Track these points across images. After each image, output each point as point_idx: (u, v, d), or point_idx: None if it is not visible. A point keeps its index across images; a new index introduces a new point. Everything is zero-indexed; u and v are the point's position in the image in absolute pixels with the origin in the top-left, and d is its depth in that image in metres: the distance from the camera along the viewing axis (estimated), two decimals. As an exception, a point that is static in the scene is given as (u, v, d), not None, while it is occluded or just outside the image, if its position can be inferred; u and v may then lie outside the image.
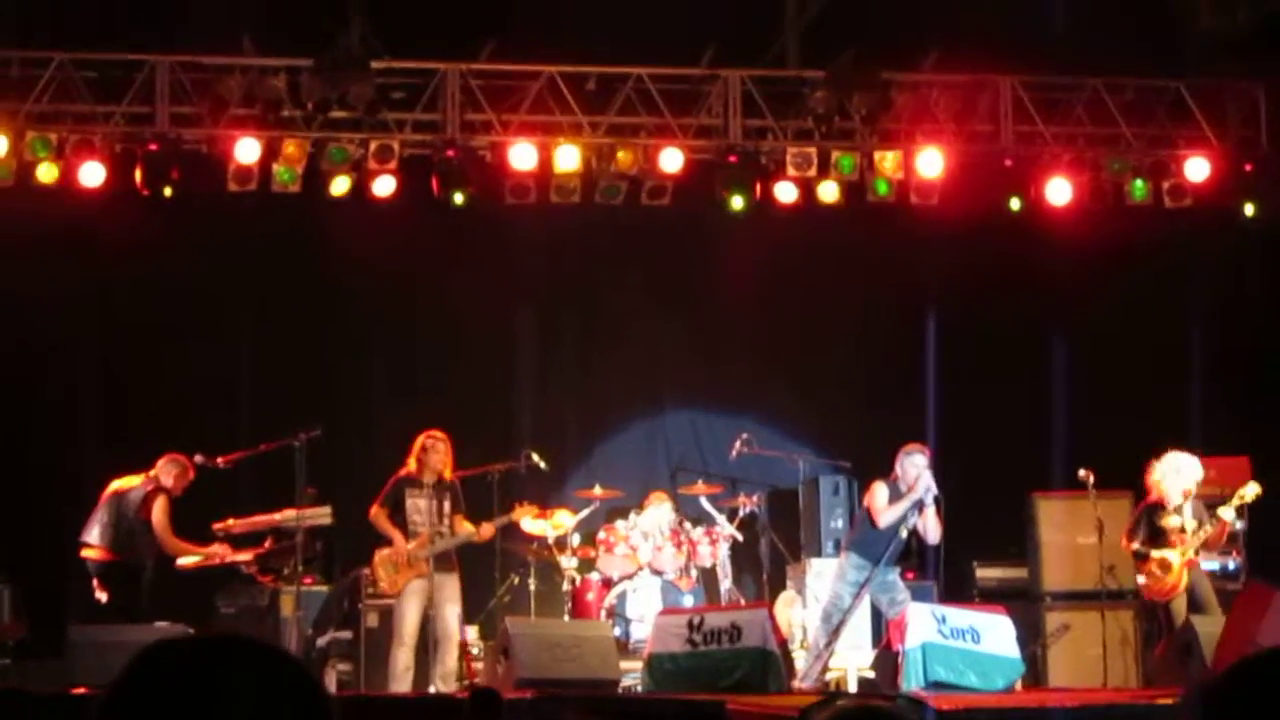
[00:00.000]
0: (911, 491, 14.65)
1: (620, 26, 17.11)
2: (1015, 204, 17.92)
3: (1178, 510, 15.22)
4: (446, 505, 15.17)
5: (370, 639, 15.68)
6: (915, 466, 14.76)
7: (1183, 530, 15.15)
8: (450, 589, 15.07)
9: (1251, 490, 15.36)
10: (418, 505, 15.18)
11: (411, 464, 15.26)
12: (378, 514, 15.22)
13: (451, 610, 15.06)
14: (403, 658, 14.95)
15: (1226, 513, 15.24)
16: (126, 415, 17.41)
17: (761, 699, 12.96)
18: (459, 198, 17.20)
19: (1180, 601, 15.11)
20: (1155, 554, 15.11)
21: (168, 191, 16.72)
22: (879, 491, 14.81)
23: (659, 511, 17.11)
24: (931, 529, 14.72)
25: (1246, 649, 10.34)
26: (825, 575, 16.21)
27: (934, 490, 14.67)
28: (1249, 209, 17.94)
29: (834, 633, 14.85)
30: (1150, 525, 15.27)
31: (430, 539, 15.08)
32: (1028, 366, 19.30)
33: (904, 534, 14.73)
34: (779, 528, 17.95)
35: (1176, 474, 15.28)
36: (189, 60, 17.01)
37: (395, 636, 15.03)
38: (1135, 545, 15.28)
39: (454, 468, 15.32)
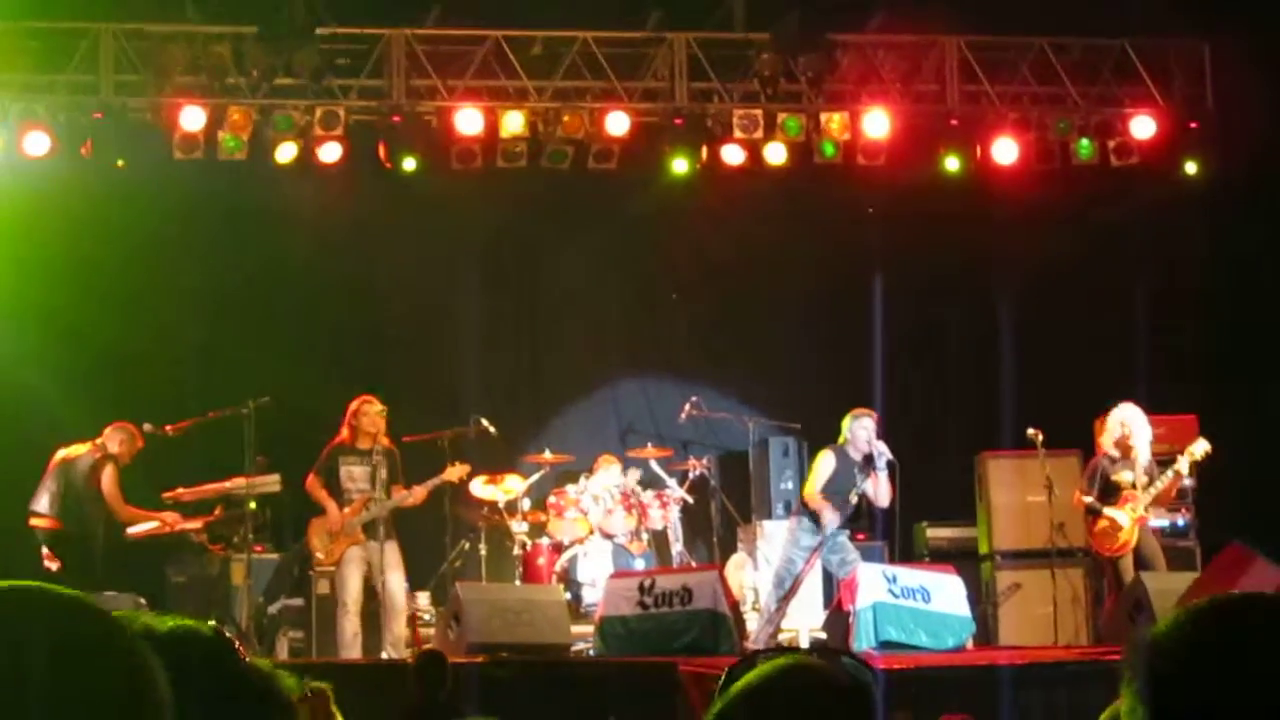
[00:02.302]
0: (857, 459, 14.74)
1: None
2: (953, 164, 17.92)
3: (1129, 465, 15.25)
4: (383, 472, 15.13)
5: (321, 606, 15.64)
6: (865, 430, 14.78)
7: (1134, 486, 15.20)
8: (390, 556, 15.01)
9: (1200, 447, 15.35)
10: (352, 473, 15.16)
11: (345, 431, 15.26)
12: (313, 483, 15.24)
13: (395, 578, 15.03)
14: (349, 625, 14.92)
15: (1181, 464, 15.23)
16: (73, 383, 17.28)
17: (713, 661, 12.98)
18: (410, 164, 17.18)
19: (1128, 559, 15.17)
20: (1107, 512, 15.13)
21: (120, 163, 16.66)
22: (823, 462, 14.84)
23: (608, 474, 17.11)
24: (882, 493, 14.73)
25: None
26: (776, 537, 16.25)
27: (888, 455, 14.68)
28: (1190, 167, 18.01)
29: (786, 597, 14.89)
30: (1104, 479, 15.31)
31: (364, 506, 15.06)
32: (975, 326, 19.33)
33: (854, 499, 14.78)
34: (729, 490, 18.00)
35: (1125, 426, 15.31)
36: (133, 28, 16.92)
37: (339, 605, 15.01)
38: (1088, 500, 15.31)
39: (387, 432, 15.30)
